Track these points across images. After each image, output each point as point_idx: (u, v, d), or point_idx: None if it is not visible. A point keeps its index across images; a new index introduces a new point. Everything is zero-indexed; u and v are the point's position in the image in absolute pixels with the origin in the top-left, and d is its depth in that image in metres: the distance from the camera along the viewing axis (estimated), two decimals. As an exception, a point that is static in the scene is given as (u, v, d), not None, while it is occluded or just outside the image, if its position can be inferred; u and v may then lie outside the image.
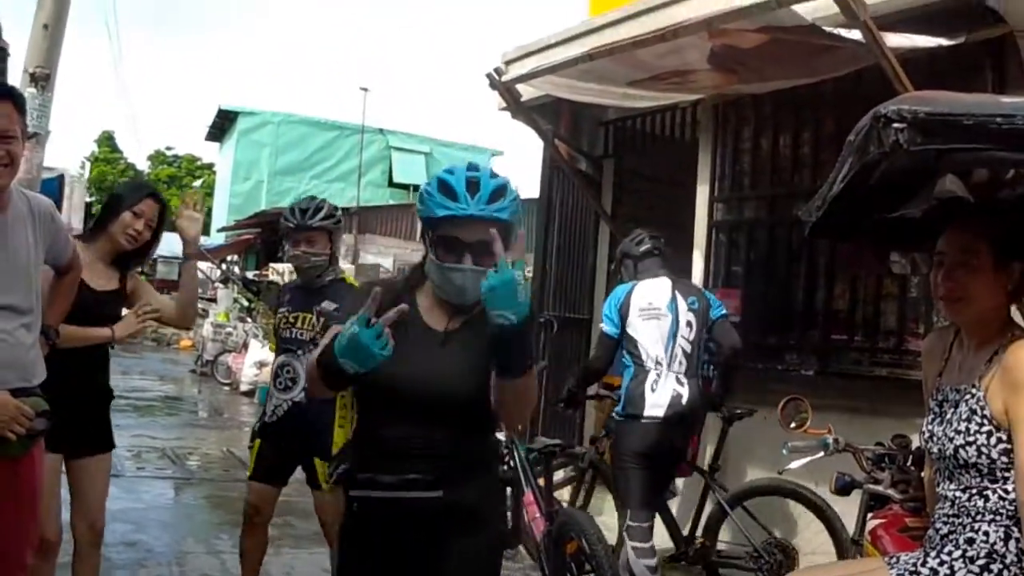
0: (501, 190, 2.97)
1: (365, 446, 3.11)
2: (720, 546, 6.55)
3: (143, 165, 50.40)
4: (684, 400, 6.09)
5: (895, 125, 2.58)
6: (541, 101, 8.73)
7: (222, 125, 39.07)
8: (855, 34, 5.58)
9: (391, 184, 36.80)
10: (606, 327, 6.33)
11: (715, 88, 7.40)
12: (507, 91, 8.12)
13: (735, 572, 6.55)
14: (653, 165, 9.55)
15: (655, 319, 6.18)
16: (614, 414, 6.42)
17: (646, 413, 6.07)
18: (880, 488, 4.27)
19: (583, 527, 5.71)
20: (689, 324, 6.22)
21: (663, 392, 6.08)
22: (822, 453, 4.59)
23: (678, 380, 6.12)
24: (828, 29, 5.71)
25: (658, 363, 6.13)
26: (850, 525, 4.48)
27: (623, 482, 6.26)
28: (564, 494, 7.46)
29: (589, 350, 6.45)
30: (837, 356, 7.05)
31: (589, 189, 9.56)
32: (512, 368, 2.91)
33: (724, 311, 6.54)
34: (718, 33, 5.99)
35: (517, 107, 8.39)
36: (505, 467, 6.52)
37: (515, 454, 6.61)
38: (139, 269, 5.08)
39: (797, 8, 5.55)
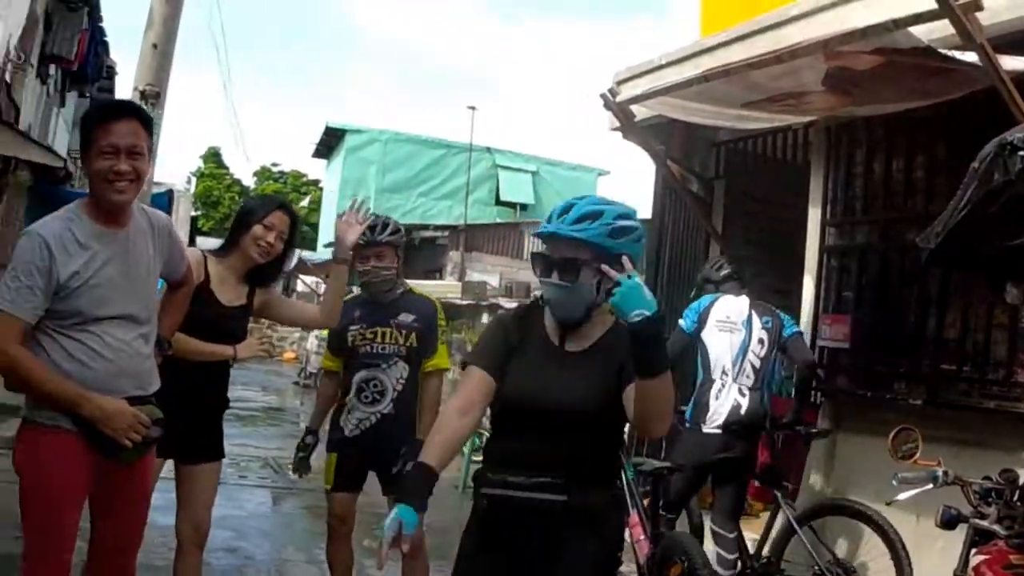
0: (594, 215, 3.13)
1: (498, 452, 3.30)
2: (783, 565, 6.51)
3: (249, 181, 51.15)
4: (743, 411, 6.43)
5: (1021, 153, 2.55)
6: (652, 122, 8.74)
7: (329, 142, 39.38)
8: (971, 56, 5.50)
9: (498, 202, 36.82)
10: (683, 322, 6.73)
11: (829, 110, 7.32)
12: (621, 111, 8.15)
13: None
14: (764, 187, 9.46)
15: (729, 332, 6.59)
16: (684, 423, 6.65)
17: (708, 422, 6.44)
18: (986, 523, 4.18)
19: (688, 550, 5.68)
20: (761, 341, 6.59)
21: (725, 401, 6.45)
22: (931, 485, 4.51)
23: (740, 391, 6.49)
24: (944, 51, 5.61)
25: (724, 373, 6.52)
26: (953, 559, 4.39)
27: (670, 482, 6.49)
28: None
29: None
30: (946, 386, 6.88)
31: (700, 210, 9.54)
32: (652, 366, 2.97)
33: (797, 329, 6.89)
34: (833, 55, 5.94)
35: (630, 127, 8.43)
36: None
37: (622, 474, 6.59)
38: (274, 285, 5.16)
39: (913, 30, 5.48)
